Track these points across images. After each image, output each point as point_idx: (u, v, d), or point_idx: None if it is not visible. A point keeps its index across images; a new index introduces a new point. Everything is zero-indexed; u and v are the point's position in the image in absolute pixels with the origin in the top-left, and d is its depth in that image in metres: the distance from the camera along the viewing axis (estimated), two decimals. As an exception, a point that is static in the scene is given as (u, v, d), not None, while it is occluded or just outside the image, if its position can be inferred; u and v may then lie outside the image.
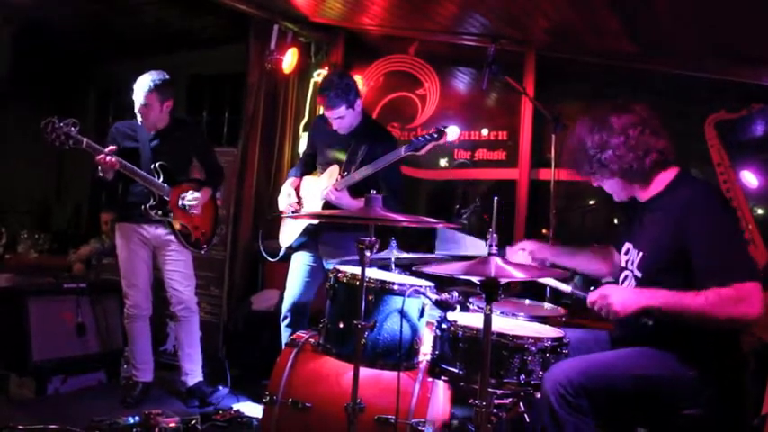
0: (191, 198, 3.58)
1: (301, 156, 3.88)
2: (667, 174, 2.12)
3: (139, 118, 3.51)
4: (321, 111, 3.48)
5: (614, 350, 2.13)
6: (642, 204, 2.20)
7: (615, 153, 2.07)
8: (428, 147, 2.95)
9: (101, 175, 3.37)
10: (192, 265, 3.72)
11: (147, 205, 3.48)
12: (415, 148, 2.96)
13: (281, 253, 3.51)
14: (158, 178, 3.51)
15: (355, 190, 3.15)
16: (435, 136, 2.93)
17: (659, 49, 3.80)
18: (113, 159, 3.29)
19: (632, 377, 1.95)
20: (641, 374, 1.95)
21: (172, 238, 3.58)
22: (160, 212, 3.51)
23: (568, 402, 1.88)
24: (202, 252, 3.80)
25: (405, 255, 2.67)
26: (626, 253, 2.22)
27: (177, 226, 3.57)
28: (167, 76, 3.53)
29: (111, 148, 3.35)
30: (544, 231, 4.00)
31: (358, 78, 4.38)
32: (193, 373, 3.70)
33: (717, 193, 2.09)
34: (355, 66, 4.98)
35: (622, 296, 1.96)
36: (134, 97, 3.48)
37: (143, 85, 3.45)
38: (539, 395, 1.94)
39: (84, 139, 3.26)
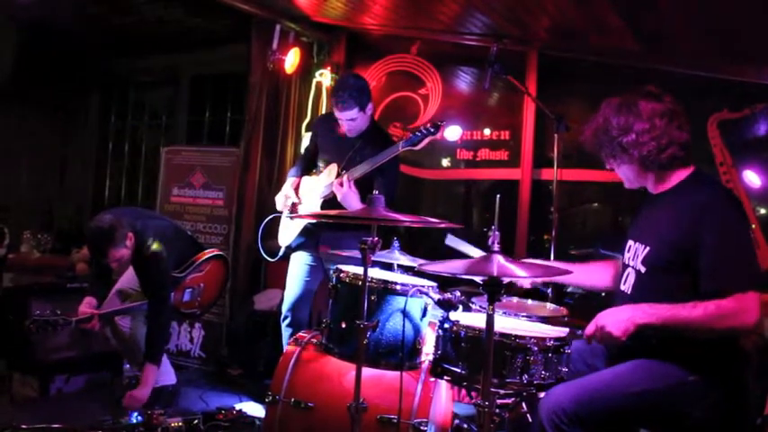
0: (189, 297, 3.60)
1: (302, 153, 3.86)
2: (684, 171, 2.08)
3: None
4: (324, 110, 3.47)
5: (609, 368, 2.07)
6: (653, 197, 2.15)
7: (638, 139, 2.01)
8: (425, 141, 2.93)
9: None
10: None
11: None
12: (412, 143, 2.95)
13: (281, 253, 3.52)
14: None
15: None
16: (432, 130, 2.92)
17: (662, 48, 3.79)
18: (95, 323, 3.28)
19: (630, 395, 1.92)
20: (640, 390, 1.92)
21: None
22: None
23: (563, 431, 1.88)
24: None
25: (408, 258, 2.65)
26: (628, 250, 2.18)
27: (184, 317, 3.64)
28: (112, 223, 3.14)
29: (89, 301, 3.30)
30: (546, 237, 4.00)
31: (360, 78, 4.37)
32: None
33: (732, 198, 2.03)
34: (357, 65, 4.98)
35: (617, 318, 1.91)
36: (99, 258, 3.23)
37: (100, 250, 3.15)
38: (539, 397, 1.94)
39: (72, 320, 3.19)
